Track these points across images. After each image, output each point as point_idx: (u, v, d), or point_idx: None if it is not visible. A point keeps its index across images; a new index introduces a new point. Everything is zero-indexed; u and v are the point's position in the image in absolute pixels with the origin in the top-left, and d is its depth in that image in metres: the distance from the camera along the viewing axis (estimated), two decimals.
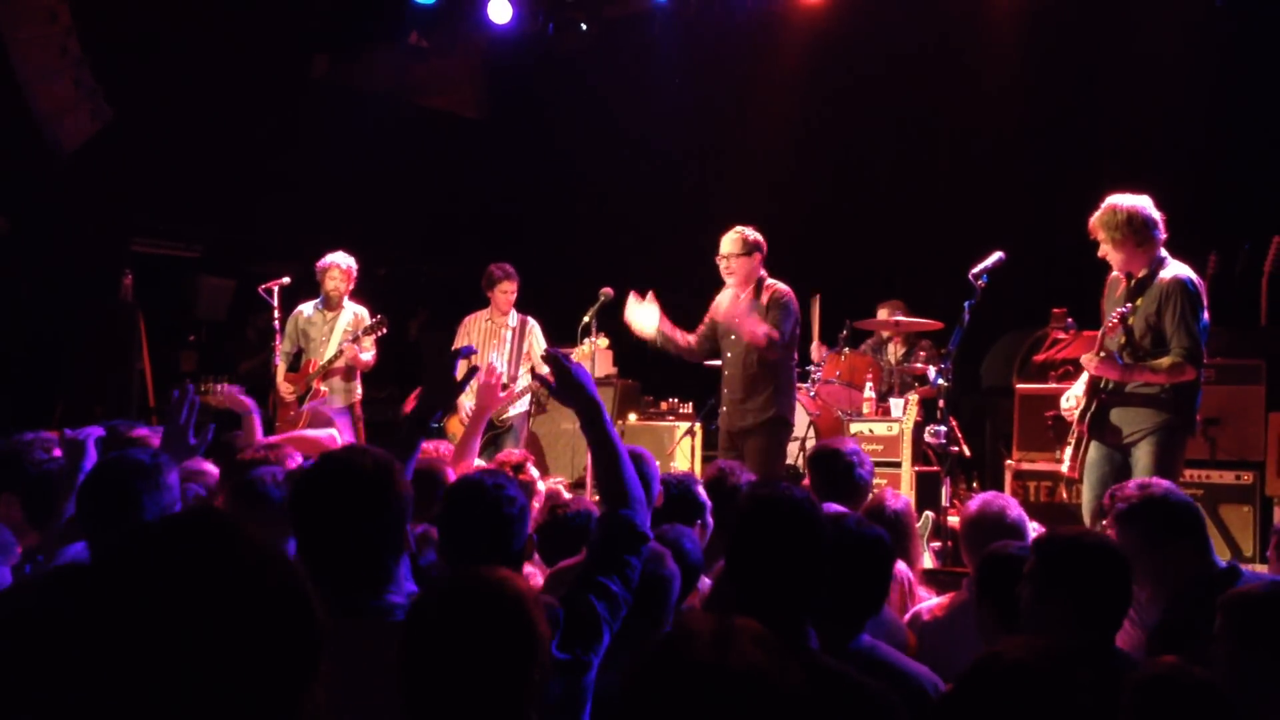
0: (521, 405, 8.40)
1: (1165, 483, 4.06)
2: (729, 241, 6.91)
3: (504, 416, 8.24)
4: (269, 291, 8.67)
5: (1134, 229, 5.53)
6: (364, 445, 3.40)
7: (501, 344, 8.45)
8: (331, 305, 8.49)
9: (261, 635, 1.34)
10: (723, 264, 6.90)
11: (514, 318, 8.52)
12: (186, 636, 1.29)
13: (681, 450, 8.80)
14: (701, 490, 4.46)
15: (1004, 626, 3.29)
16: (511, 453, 5.41)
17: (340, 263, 8.45)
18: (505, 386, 8.12)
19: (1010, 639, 2.14)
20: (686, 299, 7.48)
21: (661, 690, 1.42)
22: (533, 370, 7.71)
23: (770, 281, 6.94)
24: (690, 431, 8.75)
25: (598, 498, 3.34)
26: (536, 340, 8.43)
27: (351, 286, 8.52)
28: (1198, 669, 2.69)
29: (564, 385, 3.07)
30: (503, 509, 2.98)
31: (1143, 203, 5.58)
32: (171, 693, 1.29)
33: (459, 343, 8.56)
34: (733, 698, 1.39)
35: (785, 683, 1.42)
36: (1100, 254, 5.69)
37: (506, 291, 8.45)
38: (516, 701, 2.15)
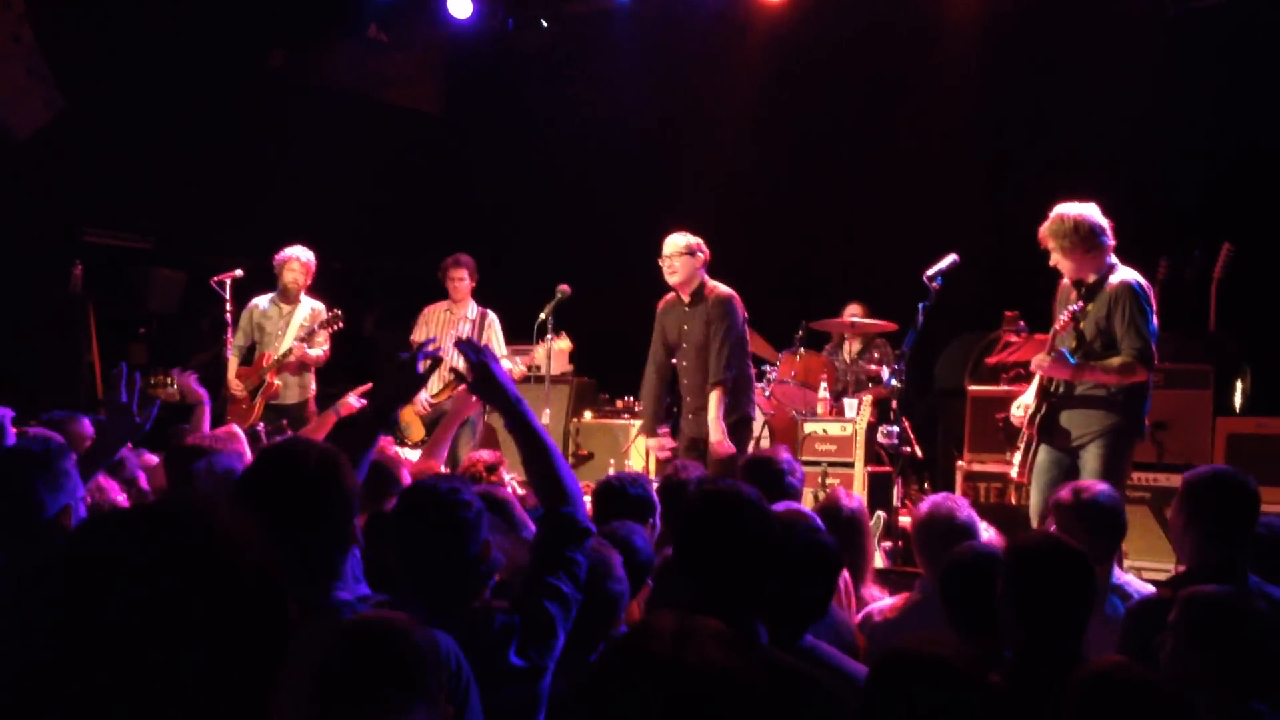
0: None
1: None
2: (671, 243, 6.99)
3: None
4: (221, 284, 8.57)
5: (1081, 236, 5.60)
6: (309, 438, 3.36)
7: (459, 335, 8.42)
8: (289, 298, 8.41)
9: (237, 624, 1.33)
10: (665, 264, 6.97)
11: (473, 309, 8.49)
12: (160, 624, 1.28)
13: (636, 449, 8.81)
14: (652, 489, 4.48)
15: (962, 631, 3.32)
16: (483, 454, 5.40)
17: (300, 255, 8.38)
18: (462, 378, 8.07)
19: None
20: (646, 296, 7.49)
21: (622, 687, 1.41)
22: (453, 370, 7.75)
23: (712, 284, 7.00)
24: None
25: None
26: (495, 335, 8.41)
27: (309, 281, 8.46)
28: (1141, 667, 2.73)
29: (481, 382, 3.01)
30: (457, 513, 2.86)
31: (1090, 211, 5.65)
32: (140, 682, 1.28)
33: (417, 333, 8.52)
34: (693, 693, 1.39)
35: (746, 679, 1.42)
36: (1052, 263, 5.76)
37: (456, 279, 8.43)
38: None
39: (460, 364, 3.26)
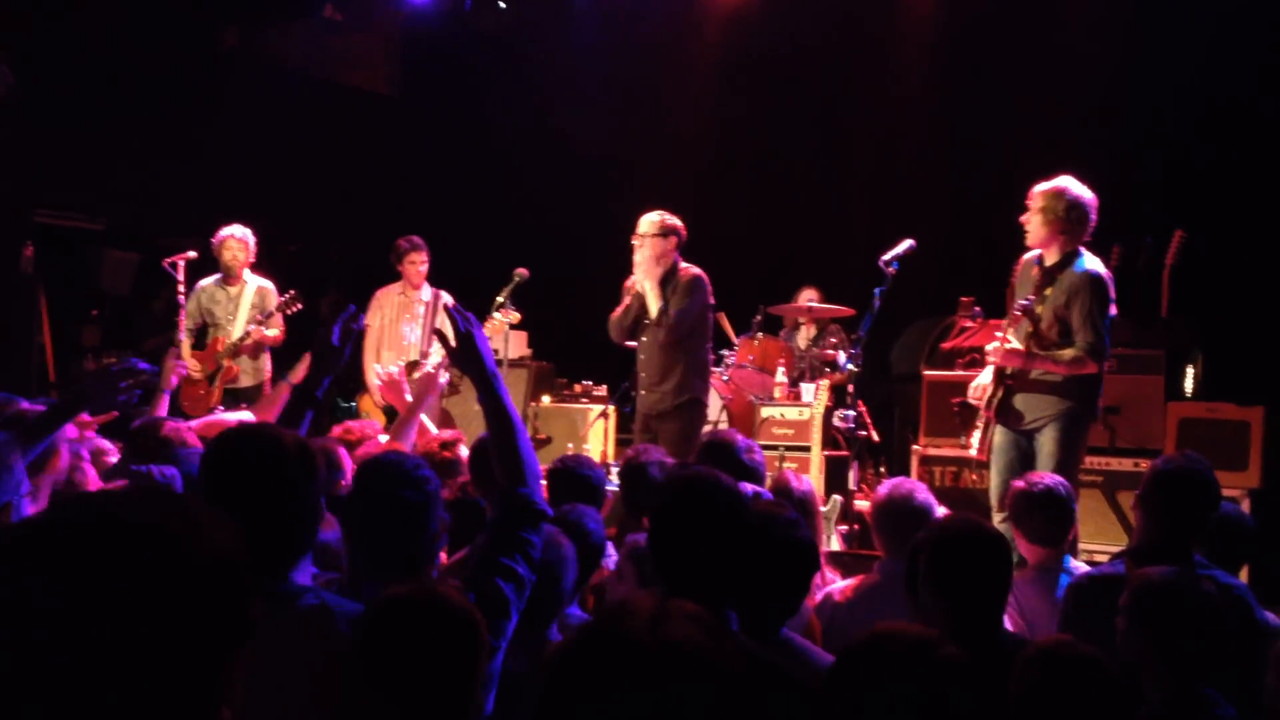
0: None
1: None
2: (648, 222, 6.92)
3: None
4: (174, 265, 8.43)
5: (1070, 219, 5.63)
6: (268, 422, 3.32)
7: (414, 319, 8.36)
8: (231, 278, 8.30)
9: (197, 611, 1.32)
10: (638, 242, 6.91)
11: (427, 291, 8.43)
12: (114, 611, 1.28)
13: (595, 433, 8.81)
14: (603, 472, 4.51)
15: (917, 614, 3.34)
16: (443, 432, 5.37)
17: (235, 233, 8.25)
18: (416, 364, 8.04)
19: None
20: (603, 280, 7.47)
21: (598, 666, 1.41)
22: (438, 332, 7.70)
23: (684, 266, 6.97)
24: (604, 414, 8.76)
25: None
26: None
27: (251, 259, 8.33)
28: (1086, 645, 2.77)
29: (463, 349, 3.00)
30: (419, 489, 2.86)
31: (1088, 197, 5.67)
32: (90, 670, 1.27)
33: (371, 316, 8.47)
34: (670, 673, 1.38)
35: (722, 661, 1.42)
36: (1023, 219, 5.75)
37: (415, 263, 8.36)
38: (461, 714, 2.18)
39: (432, 347, 3.24)
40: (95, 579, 1.27)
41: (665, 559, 2.82)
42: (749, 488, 4.03)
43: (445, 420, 8.20)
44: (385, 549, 2.82)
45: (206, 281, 8.39)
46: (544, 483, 3.38)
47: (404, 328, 8.30)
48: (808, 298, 9.34)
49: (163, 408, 5.41)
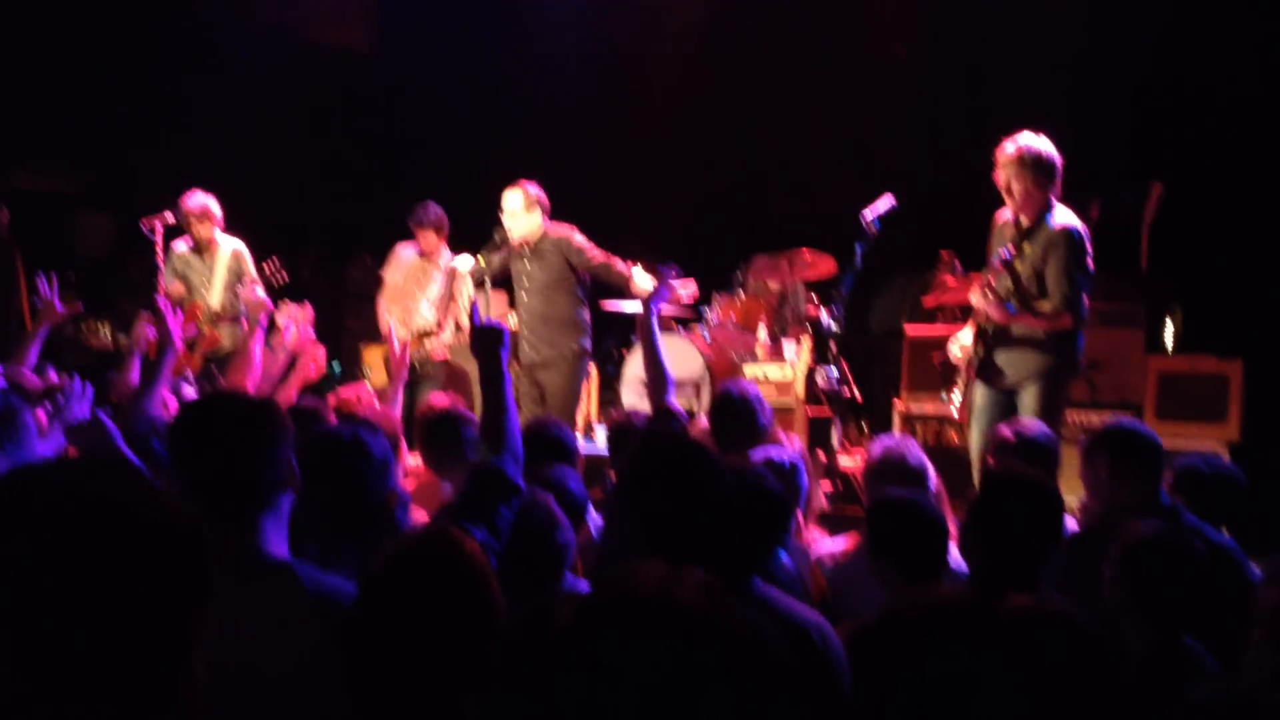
0: (436, 345, 8.10)
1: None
2: (510, 200, 7.28)
3: (426, 362, 8.07)
4: (151, 229, 8.34)
5: (1036, 170, 5.61)
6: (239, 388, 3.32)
7: (429, 284, 8.25)
8: (202, 247, 8.23)
9: (152, 576, 1.36)
10: (506, 220, 7.23)
11: (446, 256, 8.27)
12: (68, 578, 1.32)
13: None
14: (569, 433, 4.56)
15: (902, 576, 3.37)
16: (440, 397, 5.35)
17: (192, 207, 8.05)
18: (428, 333, 8.00)
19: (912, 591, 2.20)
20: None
21: (610, 633, 1.43)
22: (474, 311, 7.70)
23: (550, 226, 7.32)
24: (586, 374, 8.75)
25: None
26: (466, 285, 8.14)
27: (218, 223, 8.14)
28: (1057, 602, 2.79)
29: (483, 339, 3.11)
30: (358, 462, 2.94)
31: (1047, 146, 5.67)
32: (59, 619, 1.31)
33: (389, 273, 8.36)
34: (679, 639, 1.41)
35: (730, 626, 1.44)
36: (996, 179, 5.75)
37: (424, 234, 8.28)
38: (473, 675, 2.14)
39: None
40: (42, 547, 1.32)
41: (636, 519, 2.85)
42: (762, 452, 4.07)
43: (462, 380, 8.09)
44: (333, 517, 2.88)
45: (180, 248, 8.28)
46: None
47: (418, 294, 8.22)
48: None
49: (134, 371, 5.34)
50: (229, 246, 8.21)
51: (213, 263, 8.16)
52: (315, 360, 5.33)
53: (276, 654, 2.32)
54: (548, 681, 1.45)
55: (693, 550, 2.72)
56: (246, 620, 2.26)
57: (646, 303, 4.53)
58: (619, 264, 7.20)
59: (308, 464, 2.64)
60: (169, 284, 8.20)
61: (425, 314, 8.17)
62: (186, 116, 10.45)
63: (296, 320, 5.37)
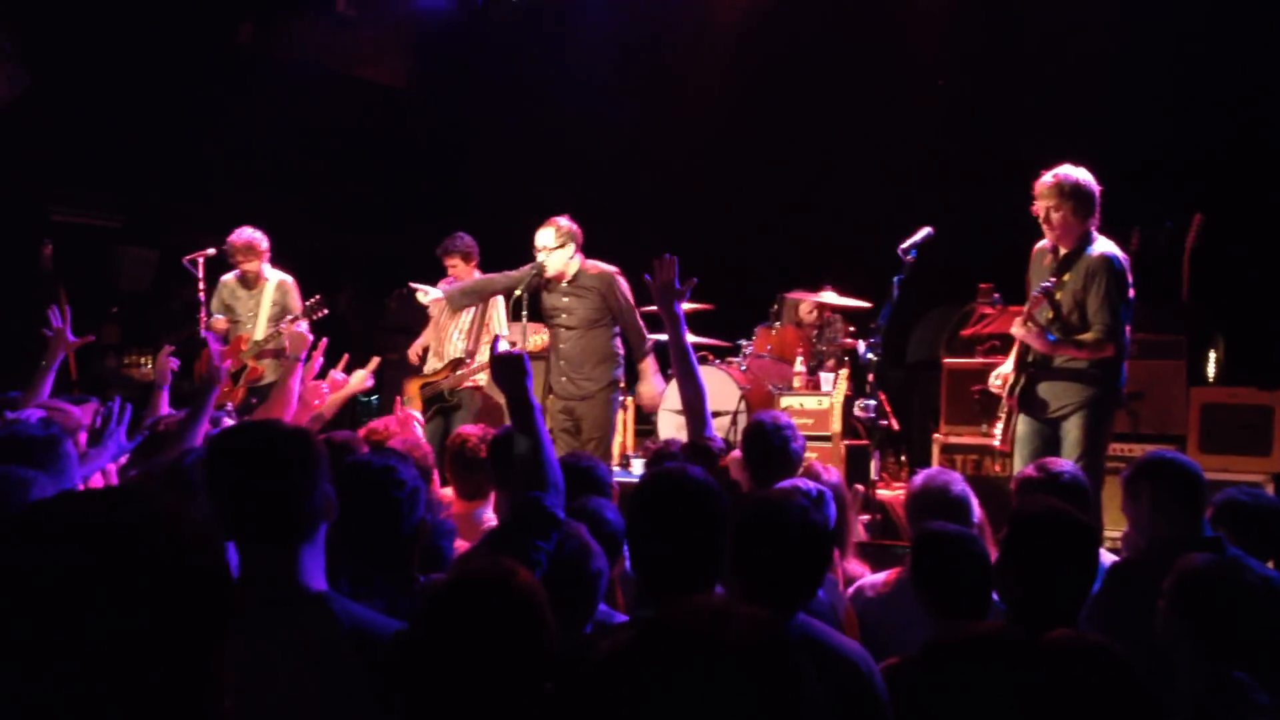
0: (480, 379, 8.08)
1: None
2: (542, 238, 7.17)
3: (456, 390, 8.10)
4: (193, 263, 8.43)
5: (1075, 200, 5.59)
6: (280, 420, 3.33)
7: (460, 313, 8.24)
8: (250, 283, 8.30)
9: (169, 608, 1.35)
10: (541, 255, 7.14)
11: None
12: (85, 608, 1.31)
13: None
14: (603, 466, 4.53)
15: (939, 609, 3.33)
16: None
17: (238, 244, 8.10)
18: (460, 362, 8.04)
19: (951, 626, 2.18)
20: (624, 270, 7.47)
21: (660, 667, 1.42)
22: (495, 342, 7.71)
23: (590, 263, 7.26)
24: (622, 405, 8.75)
25: None
26: (498, 312, 8.19)
27: (266, 257, 8.21)
28: (1096, 635, 2.76)
29: (505, 369, 3.10)
30: (390, 492, 2.91)
31: (1086, 177, 5.66)
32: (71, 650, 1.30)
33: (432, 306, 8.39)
34: (730, 674, 1.39)
35: (778, 662, 1.43)
36: (1035, 211, 5.72)
37: (452, 265, 8.29)
38: (527, 706, 2.13)
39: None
40: (62, 578, 1.30)
41: (642, 553, 2.92)
42: (789, 482, 4.03)
43: (496, 412, 8.07)
44: (358, 546, 2.86)
45: (228, 277, 8.38)
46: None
47: (450, 325, 8.25)
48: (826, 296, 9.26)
49: (163, 405, 5.36)
50: (275, 278, 8.29)
51: (260, 295, 8.24)
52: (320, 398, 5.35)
53: (308, 687, 2.31)
54: (589, 713, 1.44)
55: (698, 583, 2.75)
56: (280, 652, 2.26)
57: (668, 306, 4.51)
58: (644, 335, 7.24)
59: (340, 494, 2.65)
60: (214, 318, 8.28)
61: (457, 343, 8.21)
62: (228, 151, 10.57)
63: (336, 386, 5.42)
